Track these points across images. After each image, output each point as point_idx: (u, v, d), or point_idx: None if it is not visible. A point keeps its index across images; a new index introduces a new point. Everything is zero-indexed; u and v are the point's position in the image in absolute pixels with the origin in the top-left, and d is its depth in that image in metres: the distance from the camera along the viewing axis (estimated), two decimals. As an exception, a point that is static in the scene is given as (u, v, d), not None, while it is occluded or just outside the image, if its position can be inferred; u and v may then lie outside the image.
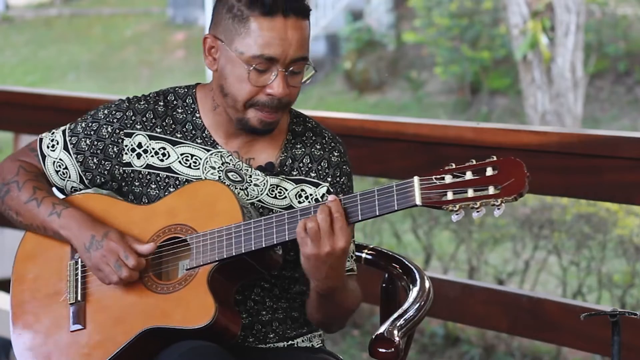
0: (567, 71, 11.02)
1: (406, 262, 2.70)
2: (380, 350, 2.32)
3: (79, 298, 2.47)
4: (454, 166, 2.21)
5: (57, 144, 2.55)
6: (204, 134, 2.51)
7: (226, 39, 2.41)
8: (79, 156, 2.53)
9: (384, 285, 2.74)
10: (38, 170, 2.57)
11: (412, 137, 3.67)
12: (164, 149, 2.51)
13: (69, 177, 2.55)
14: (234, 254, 2.34)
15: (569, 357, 6.25)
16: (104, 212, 2.50)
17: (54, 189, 2.58)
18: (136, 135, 2.51)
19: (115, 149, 2.52)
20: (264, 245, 2.33)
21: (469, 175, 2.18)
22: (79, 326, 2.45)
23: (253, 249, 2.33)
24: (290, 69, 2.39)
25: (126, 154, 2.51)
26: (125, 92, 2.60)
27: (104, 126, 2.52)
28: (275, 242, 2.32)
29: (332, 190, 2.52)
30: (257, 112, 2.42)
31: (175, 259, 2.43)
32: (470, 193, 2.17)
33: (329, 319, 2.51)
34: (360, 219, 2.28)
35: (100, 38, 17.64)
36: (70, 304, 2.47)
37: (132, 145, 2.51)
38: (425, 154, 3.65)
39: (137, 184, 2.51)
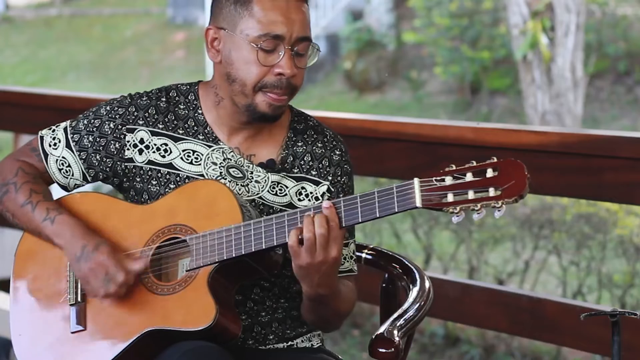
0: (567, 71, 11.01)
1: (406, 262, 2.70)
2: (380, 350, 2.32)
3: (79, 299, 2.46)
4: (454, 167, 2.20)
5: (59, 142, 2.54)
6: (205, 130, 2.51)
7: (229, 26, 2.42)
8: (81, 153, 2.53)
9: (384, 285, 2.73)
10: (38, 171, 2.56)
11: (412, 137, 3.66)
12: (166, 144, 2.51)
13: (72, 175, 2.55)
14: (234, 255, 2.34)
15: (569, 357, 6.25)
16: (103, 212, 2.49)
17: (55, 185, 2.57)
18: (138, 130, 2.51)
19: (117, 145, 2.51)
20: (264, 247, 2.32)
21: (469, 177, 2.18)
22: (79, 327, 2.44)
23: (253, 250, 2.33)
24: (295, 49, 2.40)
25: (128, 149, 2.51)
26: (126, 92, 2.60)
27: (107, 122, 2.52)
28: (275, 244, 2.32)
29: (332, 189, 2.52)
30: (265, 96, 2.42)
31: (175, 259, 2.42)
32: (471, 195, 2.17)
33: (322, 321, 2.51)
34: (360, 220, 2.27)
35: (100, 38, 17.65)
36: (71, 304, 2.46)
37: (134, 141, 2.51)
38: (425, 154, 3.64)
39: (138, 179, 2.51)
